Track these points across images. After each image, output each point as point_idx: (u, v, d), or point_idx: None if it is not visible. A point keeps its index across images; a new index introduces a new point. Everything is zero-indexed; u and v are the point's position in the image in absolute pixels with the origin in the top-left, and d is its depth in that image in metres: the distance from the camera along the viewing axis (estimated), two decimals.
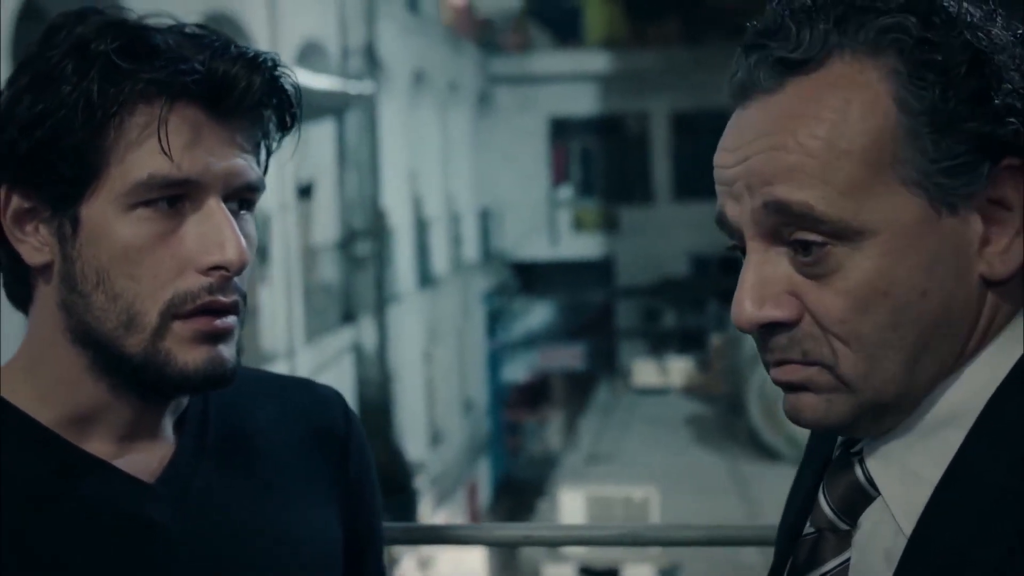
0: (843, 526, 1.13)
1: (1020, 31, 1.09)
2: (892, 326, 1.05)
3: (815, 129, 1.04)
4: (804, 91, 1.06)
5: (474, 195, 26.34)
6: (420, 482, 17.88)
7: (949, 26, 1.05)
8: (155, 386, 1.26)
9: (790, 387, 1.10)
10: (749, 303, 1.07)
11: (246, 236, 1.25)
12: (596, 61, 29.42)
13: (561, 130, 29.94)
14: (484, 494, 23.86)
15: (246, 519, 1.33)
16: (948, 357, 1.07)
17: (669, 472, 18.68)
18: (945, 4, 1.06)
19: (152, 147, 1.20)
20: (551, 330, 28.60)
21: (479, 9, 28.38)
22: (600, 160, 30.27)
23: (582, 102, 29.55)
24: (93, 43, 1.20)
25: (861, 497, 1.12)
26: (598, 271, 29.42)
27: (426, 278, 21.66)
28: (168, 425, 1.33)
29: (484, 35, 28.25)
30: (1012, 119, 1.04)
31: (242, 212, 1.27)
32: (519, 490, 23.44)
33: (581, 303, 29.41)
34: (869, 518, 1.11)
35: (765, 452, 20.71)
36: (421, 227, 21.77)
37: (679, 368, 26.82)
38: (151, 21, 1.25)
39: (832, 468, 1.16)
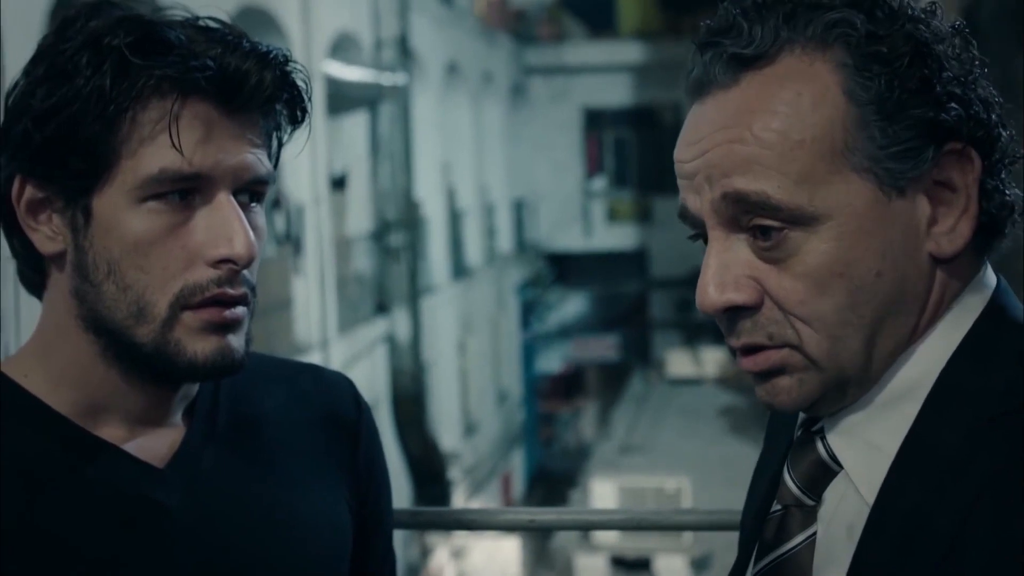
0: (808, 501, 1.17)
1: (958, 22, 1.14)
2: (851, 306, 1.10)
3: (769, 122, 1.10)
4: (758, 85, 1.11)
5: (508, 186, 26.31)
6: (454, 472, 17.92)
7: (892, 19, 1.10)
8: (165, 374, 1.28)
9: (764, 375, 1.14)
10: (712, 288, 1.13)
11: (256, 228, 1.28)
12: (630, 52, 29.32)
13: (595, 121, 29.86)
14: (518, 484, 23.87)
15: (254, 504, 1.35)
16: (903, 332, 1.12)
17: (702, 463, 18.65)
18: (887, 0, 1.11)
19: (164, 142, 1.22)
20: (585, 321, 28.55)
21: (512, 0, 28.36)
22: (634, 151, 30.17)
23: (616, 93, 29.46)
24: (107, 37, 1.22)
25: (824, 472, 1.16)
26: (632, 262, 29.34)
27: (460, 269, 21.67)
28: (178, 411, 1.35)
29: (517, 26, 28.20)
30: (954, 105, 1.09)
31: (252, 204, 1.29)
32: (553, 480, 23.44)
33: (615, 294, 29.34)
34: (833, 492, 1.16)
35: None
36: (455, 218, 21.77)
37: (713, 359, 26.73)
38: (165, 14, 1.27)
39: (795, 446, 1.20)
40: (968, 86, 1.11)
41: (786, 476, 1.18)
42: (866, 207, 1.09)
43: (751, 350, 1.14)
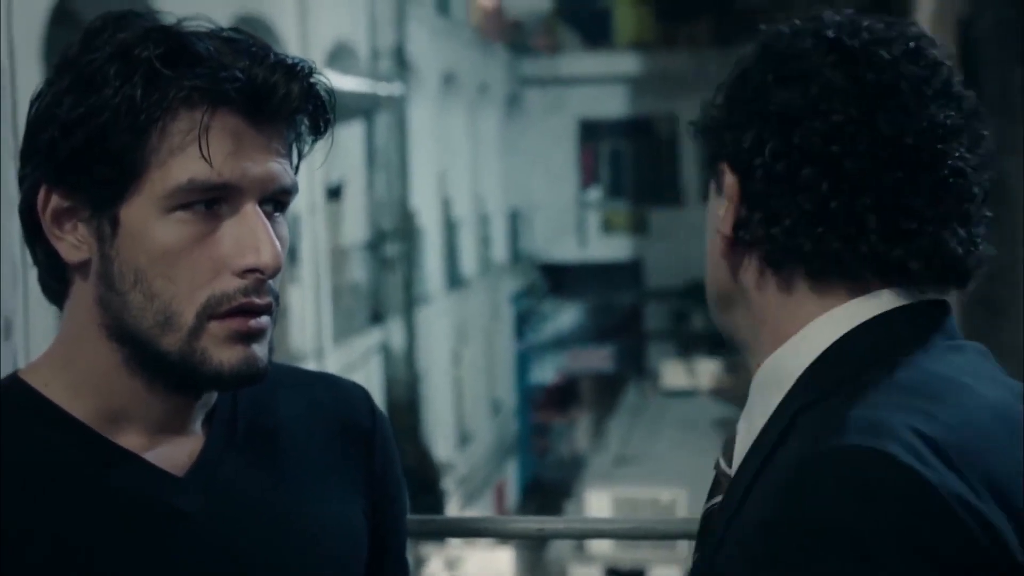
0: (727, 470, 1.29)
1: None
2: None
3: None
4: None
5: (503, 196, 26.33)
6: (448, 483, 17.91)
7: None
8: (189, 383, 1.29)
9: None
10: None
11: (279, 238, 1.28)
12: (626, 63, 29.35)
13: (590, 132, 29.88)
14: (512, 495, 23.86)
15: (272, 512, 1.36)
16: (737, 310, 1.30)
17: (697, 474, 18.56)
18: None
19: (193, 152, 1.22)
20: (580, 332, 28.56)
21: (508, 11, 28.39)
22: (629, 162, 30.19)
23: (612, 104, 29.49)
24: (136, 48, 1.22)
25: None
26: (627, 273, 29.34)
27: (455, 279, 21.69)
28: (198, 419, 1.35)
29: (513, 37, 28.23)
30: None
31: (276, 214, 1.30)
32: (547, 491, 23.43)
33: (610, 305, 29.35)
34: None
35: None
36: (450, 228, 21.80)
37: (708, 370, 26.72)
38: (190, 25, 1.27)
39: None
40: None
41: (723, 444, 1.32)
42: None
43: None
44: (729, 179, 1.25)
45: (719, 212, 1.26)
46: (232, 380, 1.28)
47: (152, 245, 1.24)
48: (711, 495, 1.30)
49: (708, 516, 1.28)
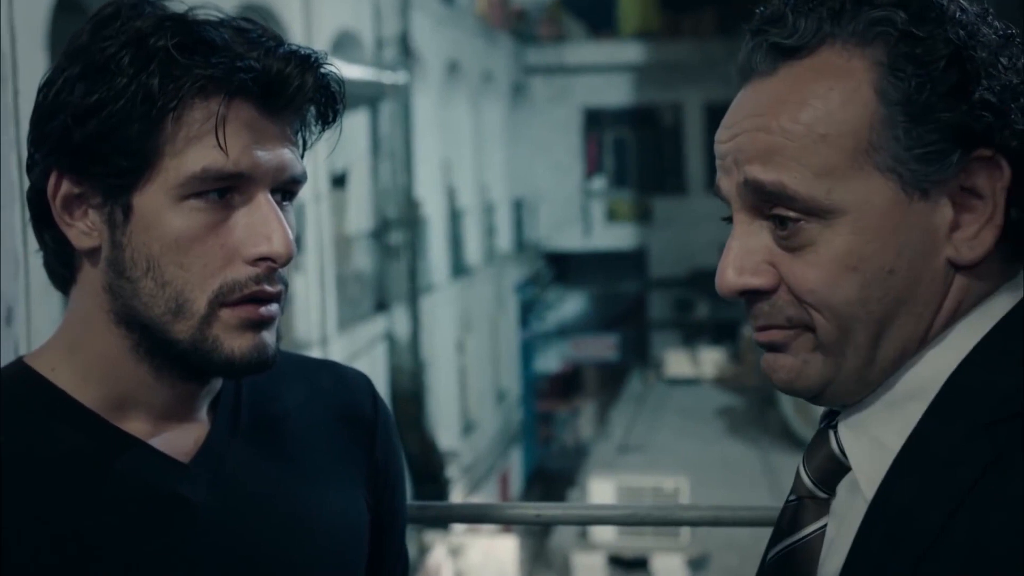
0: (821, 494, 1.18)
1: (1008, 30, 1.13)
2: (860, 300, 1.11)
3: (797, 114, 1.11)
4: (793, 76, 1.13)
5: (508, 185, 26.33)
6: (452, 471, 17.93)
7: (935, 22, 1.10)
8: (199, 370, 1.30)
9: (771, 347, 1.17)
10: (731, 271, 1.15)
11: (289, 226, 1.29)
12: (630, 52, 29.34)
13: (595, 121, 29.89)
14: (516, 483, 23.90)
15: (276, 498, 1.37)
16: (913, 334, 1.13)
17: (700, 462, 18.67)
18: (935, 1, 1.11)
19: (209, 141, 1.23)
20: (584, 320, 28.58)
21: None
22: (634, 151, 30.20)
23: (616, 93, 29.49)
24: (152, 37, 1.23)
25: (836, 467, 1.18)
26: (631, 262, 29.37)
27: (459, 268, 21.69)
28: (203, 406, 1.36)
29: (518, 25, 28.22)
30: (986, 113, 1.08)
31: (284, 203, 1.31)
32: (551, 479, 23.48)
33: (614, 294, 29.38)
34: (844, 487, 1.17)
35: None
36: (454, 217, 21.79)
37: (711, 359, 26.78)
38: (201, 14, 1.27)
39: (812, 440, 1.22)
40: (1011, 94, 1.09)
41: (801, 469, 1.20)
42: (885, 206, 1.09)
43: (767, 327, 1.16)
44: (1006, 170, 1.10)
45: (937, 225, 1.10)
46: (243, 367, 1.29)
47: (165, 233, 1.25)
48: (796, 523, 1.19)
49: (798, 549, 1.18)
